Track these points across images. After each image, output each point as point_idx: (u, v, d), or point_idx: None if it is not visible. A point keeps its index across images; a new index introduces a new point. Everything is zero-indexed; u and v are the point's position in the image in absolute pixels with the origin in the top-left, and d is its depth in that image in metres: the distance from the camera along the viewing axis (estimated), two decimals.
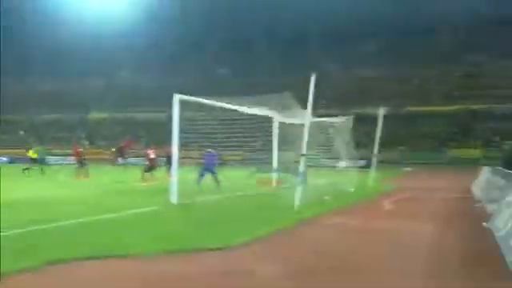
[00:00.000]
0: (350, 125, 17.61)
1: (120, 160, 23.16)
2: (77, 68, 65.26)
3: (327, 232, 8.81)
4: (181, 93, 12.66)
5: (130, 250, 6.63)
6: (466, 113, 46.91)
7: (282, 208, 10.83)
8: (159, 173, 20.37)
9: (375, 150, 19.09)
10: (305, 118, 11.56)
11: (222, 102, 14.19)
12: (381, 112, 19.19)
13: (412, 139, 45.42)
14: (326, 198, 13.16)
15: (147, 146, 26.00)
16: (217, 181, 15.90)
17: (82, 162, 22.31)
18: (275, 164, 17.30)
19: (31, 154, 25.90)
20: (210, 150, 16.41)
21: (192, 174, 15.88)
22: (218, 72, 63.35)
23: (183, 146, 14.98)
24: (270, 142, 17.45)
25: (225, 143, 16.22)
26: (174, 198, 11.90)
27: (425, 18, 53.38)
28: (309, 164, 15.57)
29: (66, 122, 58.73)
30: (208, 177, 16.01)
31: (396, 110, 46.54)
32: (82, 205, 11.98)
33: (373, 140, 20.77)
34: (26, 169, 24.73)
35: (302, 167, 11.04)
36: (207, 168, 16.06)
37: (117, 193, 15.47)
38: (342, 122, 17.41)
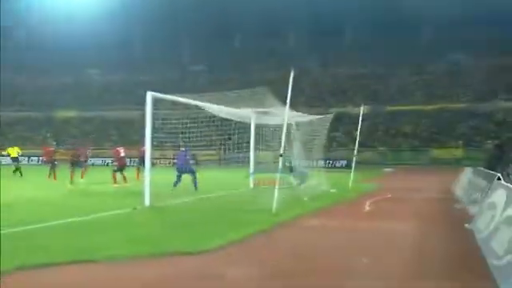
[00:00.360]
0: (329, 123, 17.70)
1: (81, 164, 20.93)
2: (43, 64, 63.97)
3: (305, 234, 8.87)
4: (154, 90, 12.55)
5: (101, 253, 6.57)
6: (447, 112, 47.81)
7: (259, 210, 10.84)
8: (130, 173, 20.13)
9: (355, 150, 19.28)
10: (283, 116, 11.57)
11: (197, 99, 14.13)
12: (361, 111, 19.35)
13: (393, 139, 46.10)
14: (306, 199, 13.25)
15: (116, 145, 25.50)
16: (195, 182, 15.75)
17: (52, 162, 21.78)
18: (252, 164, 17.33)
19: (12, 152, 24.85)
20: (182, 148, 16.29)
21: (166, 175, 15.76)
22: (193, 69, 63.04)
23: (157, 145, 14.88)
24: (248, 141, 17.43)
25: (200, 142, 16.12)
26: (146, 200, 11.80)
27: (406, 15, 54.15)
28: (288, 164, 15.72)
29: (31, 121, 57.51)
30: (187, 177, 15.86)
31: (376, 109, 47.25)
32: (52, 207, 11.82)
33: (353, 140, 21.01)
34: (16, 170, 23.86)
35: (280, 167, 11.07)
36: (180, 168, 15.88)
37: (88, 195, 15.29)
38: (321, 120, 17.50)
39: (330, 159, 34.27)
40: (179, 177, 15.74)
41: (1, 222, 8.47)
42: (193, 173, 15.87)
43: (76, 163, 19.52)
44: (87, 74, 65.13)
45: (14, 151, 24.95)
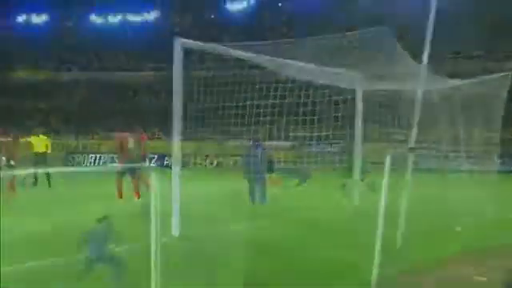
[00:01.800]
0: (505, 92, 17.38)
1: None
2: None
3: None
4: (186, 37, 12.84)
5: None
6: None
7: (369, 244, 10.88)
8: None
9: None
10: (417, 79, 11.55)
11: (258, 50, 14.29)
12: None
13: None
14: (458, 228, 13.25)
15: (121, 130, 25.61)
16: (263, 194, 16.35)
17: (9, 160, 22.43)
18: (358, 164, 17.56)
19: (37, 144, 24.00)
20: (257, 140, 16.81)
21: (204, 183, 16.14)
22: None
23: (190, 133, 15.11)
24: (349, 122, 17.50)
25: (264, 126, 16.35)
26: (174, 228, 12.19)
27: None
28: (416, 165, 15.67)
29: None
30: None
31: None
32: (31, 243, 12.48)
33: None
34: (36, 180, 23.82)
35: (409, 167, 11.15)
36: (254, 172, 16.37)
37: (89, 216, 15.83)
38: (488, 86, 17.17)
39: (503, 157, 33.51)
40: (252, 187, 16.49)
41: None
42: (262, 182, 16.52)
43: None
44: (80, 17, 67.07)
45: (42, 143, 24.20)
